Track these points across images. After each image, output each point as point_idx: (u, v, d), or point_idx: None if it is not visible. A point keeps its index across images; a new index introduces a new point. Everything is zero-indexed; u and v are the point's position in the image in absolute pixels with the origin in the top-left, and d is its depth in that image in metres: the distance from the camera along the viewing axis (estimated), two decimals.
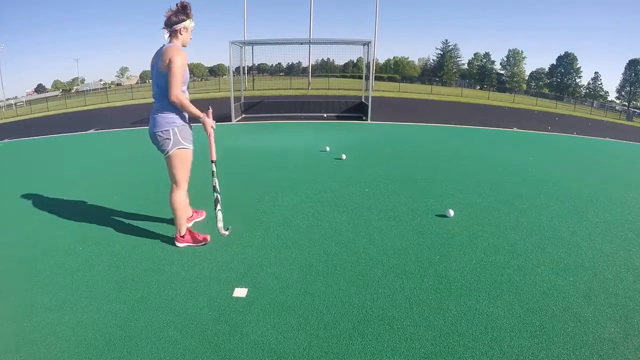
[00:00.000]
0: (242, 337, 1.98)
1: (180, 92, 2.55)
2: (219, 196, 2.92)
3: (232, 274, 2.59)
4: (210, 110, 2.90)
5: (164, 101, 2.62)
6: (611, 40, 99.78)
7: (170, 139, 2.67)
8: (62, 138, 10.00)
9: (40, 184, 4.96)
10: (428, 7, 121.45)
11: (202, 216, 3.52)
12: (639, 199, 4.44)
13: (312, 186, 4.63)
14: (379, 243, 3.09)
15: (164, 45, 2.64)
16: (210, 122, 2.81)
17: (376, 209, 3.87)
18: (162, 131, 2.66)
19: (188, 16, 2.62)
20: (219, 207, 2.90)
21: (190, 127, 2.83)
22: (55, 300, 2.30)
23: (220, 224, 2.87)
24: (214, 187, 2.93)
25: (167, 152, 2.71)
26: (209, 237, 3.00)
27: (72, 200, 4.21)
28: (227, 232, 2.92)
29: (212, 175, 2.92)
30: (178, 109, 2.65)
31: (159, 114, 2.66)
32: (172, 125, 2.67)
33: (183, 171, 2.79)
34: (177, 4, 2.60)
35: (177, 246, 2.94)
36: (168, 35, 2.63)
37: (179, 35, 2.64)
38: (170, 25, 2.60)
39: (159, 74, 2.57)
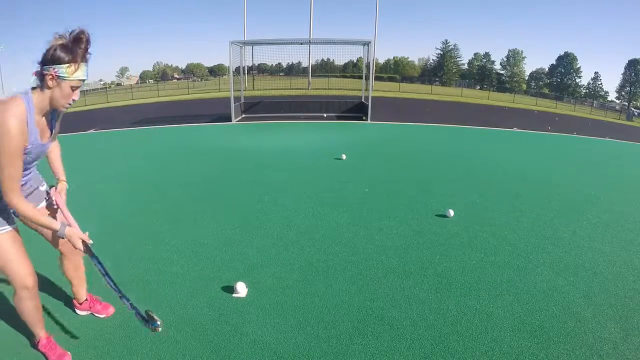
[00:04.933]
0: (242, 337, 1.98)
1: (18, 196, 1.51)
2: (108, 280, 1.74)
3: (232, 274, 2.59)
4: (68, 219, 1.76)
5: None
6: (611, 40, 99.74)
7: None
8: (62, 138, 9.97)
9: None
10: (428, 7, 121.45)
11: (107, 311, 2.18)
12: (638, 199, 4.44)
13: (312, 186, 4.63)
14: (379, 243, 3.09)
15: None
16: (78, 234, 1.69)
17: (376, 209, 3.87)
18: None
19: (73, 58, 1.48)
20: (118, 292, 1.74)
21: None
22: (56, 300, 2.30)
23: (137, 314, 1.71)
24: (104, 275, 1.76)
25: None
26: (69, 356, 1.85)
27: (70, 199, 4.20)
28: (152, 327, 1.65)
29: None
30: None
31: None
32: None
33: (5, 263, 1.62)
34: (70, 32, 1.49)
35: None
36: (36, 77, 1.52)
37: (48, 84, 1.49)
38: (42, 62, 1.48)
39: None
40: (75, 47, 1.49)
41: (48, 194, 1.87)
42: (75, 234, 1.69)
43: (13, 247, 1.64)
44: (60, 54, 1.47)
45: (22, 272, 1.65)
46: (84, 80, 1.57)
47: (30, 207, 1.57)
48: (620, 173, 6.07)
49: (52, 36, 1.49)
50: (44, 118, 1.60)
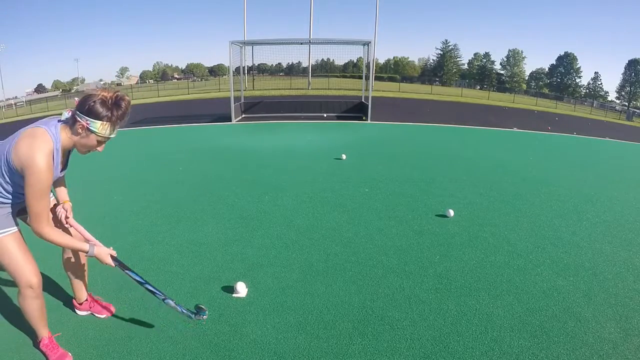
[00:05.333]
0: (242, 337, 1.98)
1: (48, 227, 1.61)
2: (149, 286, 1.96)
3: (232, 274, 2.59)
4: (92, 242, 1.86)
5: None
6: (611, 40, 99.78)
7: None
8: None
9: None
10: (428, 7, 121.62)
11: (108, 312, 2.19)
12: (639, 199, 4.44)
13: (312, 186, 4.63)
14: (379, 243, 3.09)
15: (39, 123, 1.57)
16: (105, 251, 1.82)
17: (376, 209, 3.87)
18: None
19: (108, 118, 1.54)
20: (161, 296, 1.95)
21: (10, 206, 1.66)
22: (56, 300, 2.30)
23: (183, 311, 1.94)
24: (140, 282, 1.97)
25: None
26: None
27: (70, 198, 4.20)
28: (201, 317, 1.94)
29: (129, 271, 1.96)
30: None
31: None
32: None
33: (10, 262, 1.66)
34: (115, 91, 1.59)
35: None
36: (69, 115, 1.59)
37: (77, 130, 1.56)
38: (79, 108, 1.54)
39: (8, 167, 1.51)
40: (114, 109, 1.55)
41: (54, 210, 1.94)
42: (103, 252, 1.79)
43: (17, 247, 1.68)
44: (99, 109, 1.52)
45: (27, 272, 1.68)
46: (111, 138, 1.65)
47: (61, 235, 1.67)
48: (620, 173, 6.07)
49: (97, 84, 1.49)
50: (63, 154, 1.68)
